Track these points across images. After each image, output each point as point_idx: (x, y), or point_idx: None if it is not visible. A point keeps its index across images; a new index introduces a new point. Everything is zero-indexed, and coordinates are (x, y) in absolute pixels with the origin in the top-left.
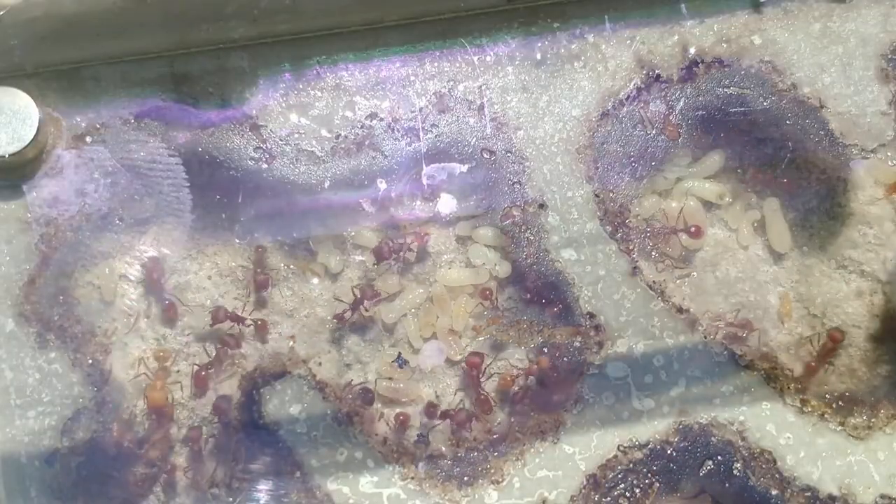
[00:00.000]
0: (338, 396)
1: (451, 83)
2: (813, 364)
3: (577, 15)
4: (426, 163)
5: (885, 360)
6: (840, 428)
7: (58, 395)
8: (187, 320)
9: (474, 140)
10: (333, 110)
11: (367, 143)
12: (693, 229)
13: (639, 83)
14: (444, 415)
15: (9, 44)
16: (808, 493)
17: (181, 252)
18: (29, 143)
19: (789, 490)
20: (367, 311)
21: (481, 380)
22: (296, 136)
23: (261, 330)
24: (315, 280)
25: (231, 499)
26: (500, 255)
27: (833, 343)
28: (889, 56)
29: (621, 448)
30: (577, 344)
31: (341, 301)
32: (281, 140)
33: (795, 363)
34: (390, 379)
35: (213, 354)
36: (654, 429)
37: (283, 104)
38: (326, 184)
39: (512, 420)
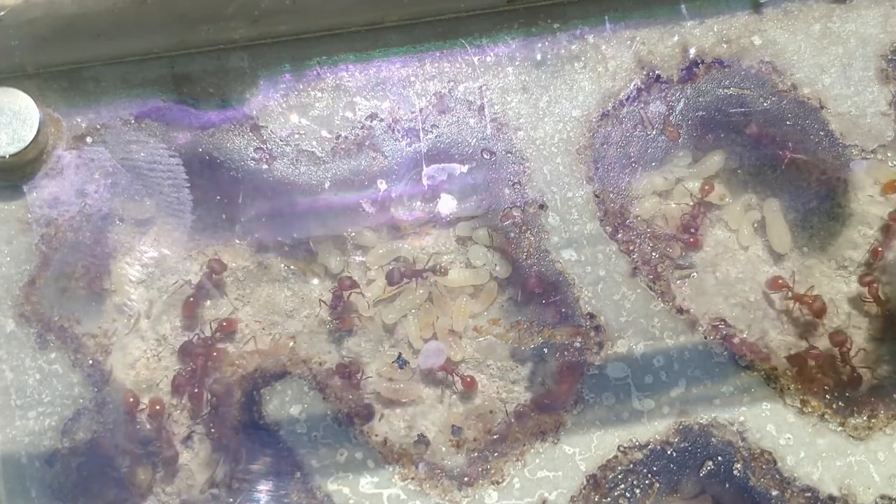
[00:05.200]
0: (338, 397)
1: (452, 84)
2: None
3: (577, 15)
4: (426, 163)
5: (885, 361)
6: (840, 428)
7: (58, 396)
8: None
9: (474, 141)
10: (334, 111)
11: (367, 143)
12: (692, 240)
13: (639, 84)
14: None
15: (9, 44)
16: (808, 494)
17: (181, 252)
18: (29, 144)
19: (789, 490)
20: (359, 295)
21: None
22: (296, 136)
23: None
24: (315, 280)
25: (231, 499)
26: (499, 256)
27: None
28: (889, 56)
29: (621, 448)
30: (578, 344)
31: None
32: (281, 140)
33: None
34: (391, 380)
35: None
36: (654, 429)
37: (284, 105)
38: (327, 184)
39: (512, 421)
